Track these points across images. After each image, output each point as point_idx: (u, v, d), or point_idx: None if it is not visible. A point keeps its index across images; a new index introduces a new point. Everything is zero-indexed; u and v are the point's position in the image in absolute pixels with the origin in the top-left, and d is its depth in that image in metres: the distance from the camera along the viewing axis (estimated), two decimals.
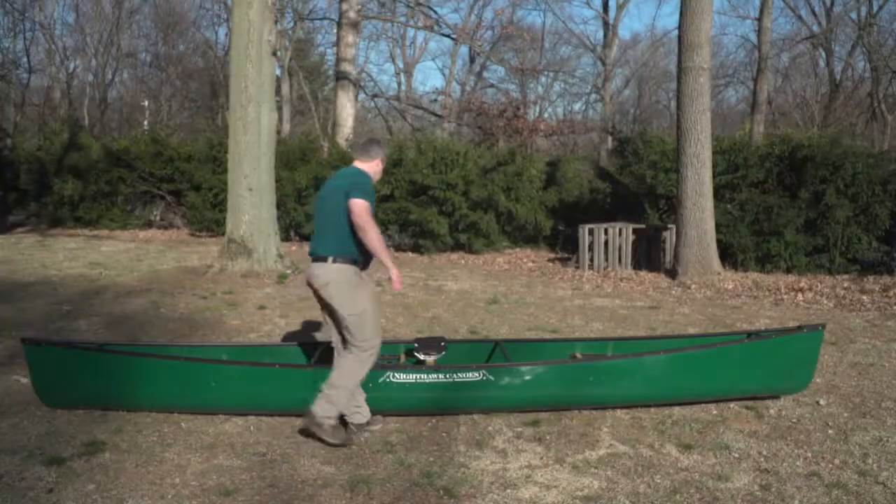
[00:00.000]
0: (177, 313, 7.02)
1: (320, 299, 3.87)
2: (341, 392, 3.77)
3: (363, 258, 3.85)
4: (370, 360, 3.84)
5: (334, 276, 3.76)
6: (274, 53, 9.72)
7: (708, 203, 9.42)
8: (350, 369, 3.81)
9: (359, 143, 4.18)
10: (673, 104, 23.44)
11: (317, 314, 7.10)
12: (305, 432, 3.85)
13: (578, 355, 4.79)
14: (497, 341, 4.93)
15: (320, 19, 26.84)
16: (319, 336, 6.11)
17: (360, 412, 3.94)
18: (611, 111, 26.51)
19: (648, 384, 4.20)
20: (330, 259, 3.76)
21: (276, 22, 9.97)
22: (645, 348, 4.63)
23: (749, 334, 4.72)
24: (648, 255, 10.68)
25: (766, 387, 4.40)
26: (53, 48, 27.69)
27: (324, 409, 3.75)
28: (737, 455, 3.69)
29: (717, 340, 4.72)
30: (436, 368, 4.19)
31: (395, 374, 4.04)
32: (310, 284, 3.86)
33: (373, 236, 3.69)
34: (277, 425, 4.06)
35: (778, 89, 27.67)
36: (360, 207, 3.68)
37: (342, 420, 3.93)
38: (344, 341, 3.90)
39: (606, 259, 10.47)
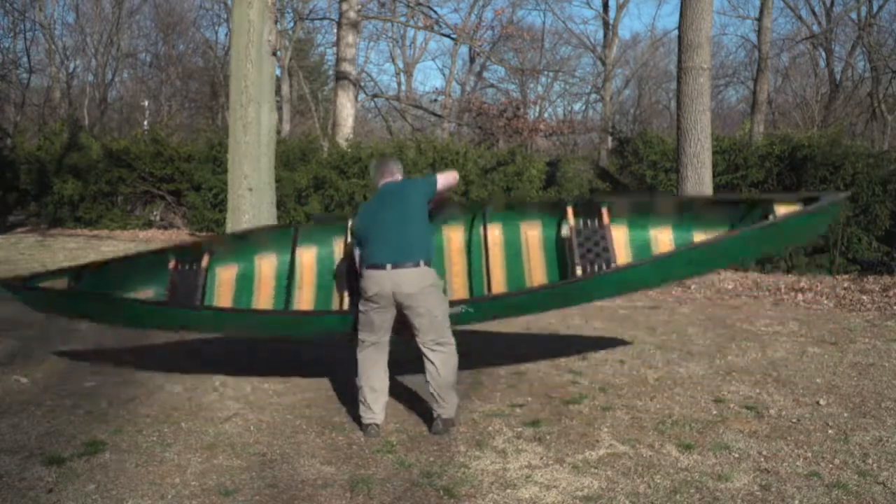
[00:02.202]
0: None
1: (391, 308, 3.88)
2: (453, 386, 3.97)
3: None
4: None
5: (431, 279, 3.88)
6: (274, 53, 9.71)
7: None
8: (452, 364, 3.93)
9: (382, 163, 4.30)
10: (673, 104, 23.45)
11: None
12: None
13: (570, 225, 4.54)
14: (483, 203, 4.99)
15: (320, 19, 26.86)
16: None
17: (375, 414, 3.92)
18: (611, 111, 26.51)
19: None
20: (422, 263, 3.85)
21: (276, 22, 9.97)
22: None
23: (757, 209, 4.39)
24: None
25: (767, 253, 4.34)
26: (53, 48, 27.71)
27: (453, 409, 3.96)
28: (737, 455, 3.69)
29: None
30: None
31: None
32: (385, 293, 3.83)
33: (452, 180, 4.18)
34: (277, 425, 4.07)
35: (778, 89, 27.69)
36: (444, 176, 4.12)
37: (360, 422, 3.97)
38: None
39: None
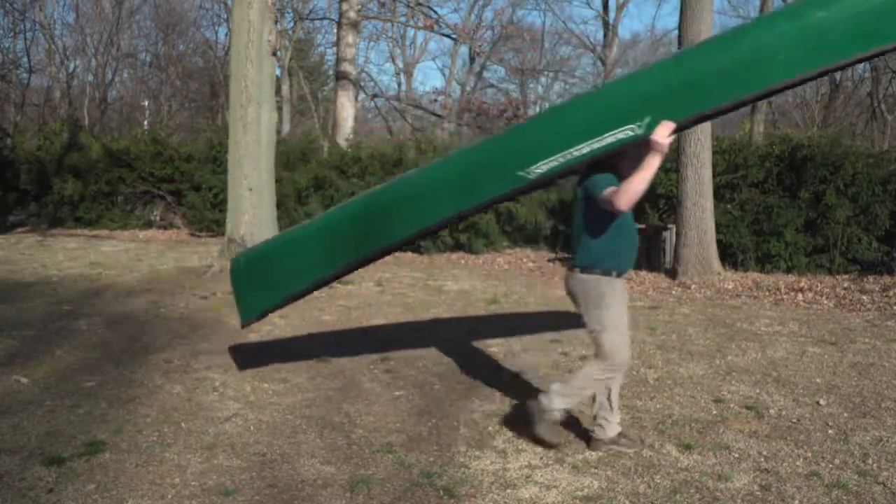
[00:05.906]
0: (177, 313, 7.02)
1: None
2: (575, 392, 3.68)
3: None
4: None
5: (575, 286, 3.64)
6: (274, 53, 9.71)
7: (708, 203, 9.42)
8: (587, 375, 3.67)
9: None
10: None
11: (317, 313, 7.11)
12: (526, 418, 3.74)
13: None
14: None
15: (320, 19, 26.83)
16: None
17: (604, 427, 3.73)
18: None
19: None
20: (576, 270, 3.62)
21: (276, 22, 9.97)
22: None
23: None
24: (648, 255, 10.67)
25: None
26: (53, 48, 27.70)
27: (551, 400, 3.66)
28: (737, 455, 3.69)
29: None
30: None
31: None
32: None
33: (638, 186, 3.34)
34: (277, 425, 4.07)
35: None
36: (605, 197, 3.39)
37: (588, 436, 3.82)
38: None
39: None
